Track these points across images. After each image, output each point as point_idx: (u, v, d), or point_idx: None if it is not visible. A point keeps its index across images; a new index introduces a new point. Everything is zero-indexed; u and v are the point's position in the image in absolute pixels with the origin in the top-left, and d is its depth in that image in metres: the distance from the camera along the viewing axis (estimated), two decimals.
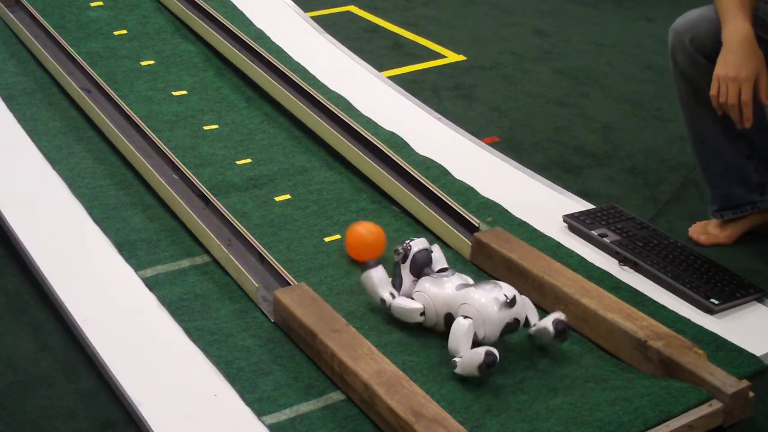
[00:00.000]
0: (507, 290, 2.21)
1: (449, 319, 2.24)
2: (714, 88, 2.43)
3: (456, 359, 2.18)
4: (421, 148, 3.15)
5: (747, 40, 2.39)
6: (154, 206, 2.80)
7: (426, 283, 2.31)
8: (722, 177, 2.79)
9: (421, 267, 2.36)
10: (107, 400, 2.19)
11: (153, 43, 3.70)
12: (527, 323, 2.26)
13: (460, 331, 2.16)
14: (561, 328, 2.23)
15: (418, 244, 2.37)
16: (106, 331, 2.31)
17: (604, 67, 4.15)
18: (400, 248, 2.36)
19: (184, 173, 2.86)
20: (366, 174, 2.97)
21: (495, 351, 2.15)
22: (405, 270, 2.36)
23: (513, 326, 2.22)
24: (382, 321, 2.38)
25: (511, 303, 2.19)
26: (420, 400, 2.01)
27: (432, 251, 2.40)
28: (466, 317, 2.17)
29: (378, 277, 2.35)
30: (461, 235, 2.66)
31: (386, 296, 2.33)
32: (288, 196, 2.89)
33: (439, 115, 3.42)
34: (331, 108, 3.21)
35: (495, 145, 3.30)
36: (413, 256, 2.35)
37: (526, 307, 2.26)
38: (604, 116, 3.69)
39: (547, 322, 2.24)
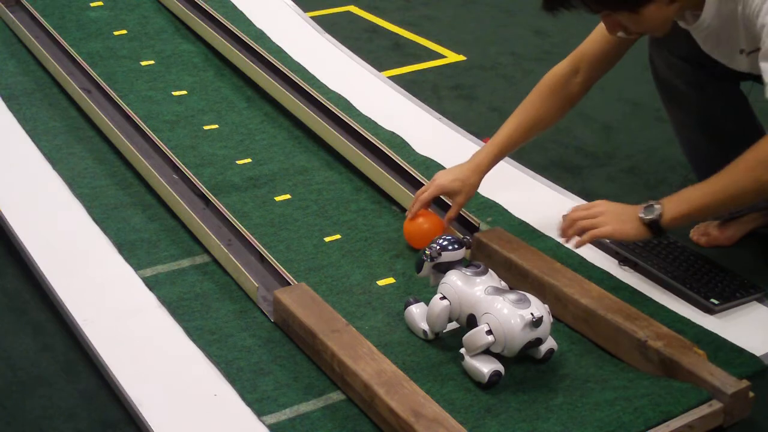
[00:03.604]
0: (536, 308, 2.12)
1: (472, 320, 2.18)
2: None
3: (465, 355, 2.17)
4: (421, 148, 3.15)
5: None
6: (154, 206, 2.80)
7: (454, 276, 2.24)
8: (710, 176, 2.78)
9: (445, 271, 2.29)
10: (107, 400, 2.19)
11: (153, 43, 3.70)
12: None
13: (477, 342, 2.13)
14: (548, 357, 2.23)
15: (451, 255, 2.28)
16: (106, 331, 2.31)
17: None
18: (428, 251, 2.28)
19: (184, 173, 2.86)
20: (366, 174, 2.97)
21: (502, 371, 2.14)
22: (428, 265, 2.31)
23: (534, 344, 2.16)
24: (382, 321, 2.38)
25: (537, 323, 2.10)
26: (420, 400, 2.01)
27: (463, 258, 2.31)
28: (489, 332, 2.11)
29: (418, 312, 2.33)
30: (461, 235, 2.65)
31: (427, 328, 2.30)
32: (288, 196, 2.89)
33: (439, 115, 3.42)
34: (331, 108, 3.20)
35: None
36: (439, 262, 2.28)
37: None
38: (604, 116, 3.69)
39: (543, 346, 2.21)
